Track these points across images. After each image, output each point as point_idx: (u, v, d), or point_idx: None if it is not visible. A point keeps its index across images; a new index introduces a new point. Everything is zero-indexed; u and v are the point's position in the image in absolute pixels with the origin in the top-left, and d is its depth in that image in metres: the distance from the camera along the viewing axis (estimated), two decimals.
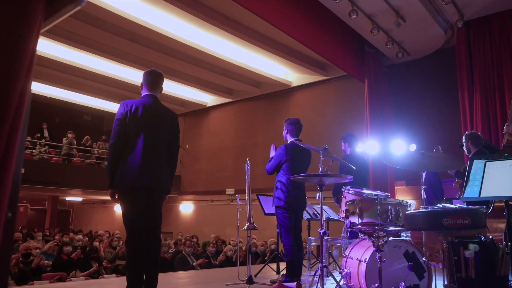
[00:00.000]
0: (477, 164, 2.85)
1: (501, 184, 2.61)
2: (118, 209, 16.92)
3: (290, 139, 4.47)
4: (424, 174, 3.70)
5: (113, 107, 15.52)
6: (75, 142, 14.52)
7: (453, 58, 8.03)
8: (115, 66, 11.58)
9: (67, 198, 18.95)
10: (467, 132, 4.79)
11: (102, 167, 14.67)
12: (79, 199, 19.24)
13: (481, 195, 2.69)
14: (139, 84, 3.41)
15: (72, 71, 12.35)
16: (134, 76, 11.98)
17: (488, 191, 2.67)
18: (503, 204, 2.96)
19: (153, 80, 3.35)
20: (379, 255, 2.79)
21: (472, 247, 2.45)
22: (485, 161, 2.81)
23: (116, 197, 3.14)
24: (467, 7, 7.38)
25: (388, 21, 7.60)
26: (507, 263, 2.47)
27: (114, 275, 6.59)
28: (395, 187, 9.03)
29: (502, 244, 2.55)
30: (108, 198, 3.24)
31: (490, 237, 2.62)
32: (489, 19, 7.60)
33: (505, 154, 2.76)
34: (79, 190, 14.60)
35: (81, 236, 10.63)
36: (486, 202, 3.76)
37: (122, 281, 4.02)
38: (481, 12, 7.53)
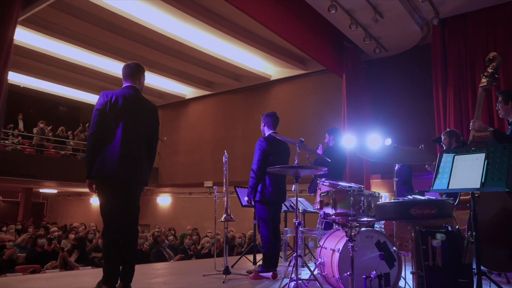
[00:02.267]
0: (446, 157, 2.96)
1: (468, 176, 2.73)
2: (94, 201, 16.71)
3: (267, 132, 4.51)
4: (397, 167, 3.83)
5: (89, 98, 15.23)
6: (46, 132, 14.17)
7: (428, 55, 8.21)
8: (92, 56, 11.34)
9: (41, 190, 18.57)
10: (449, 130, 4.99)
11: (78, 159, 14.41)
12: (54, 191, 18.87)
13: (449, 187, 2.81)
14: (117, 75, 3.41)
15: (47, 60, 12.05)
16: (111, 67, 11.73)
17: (456, 183, 2.79)
18: (469, 197, 3.09)
19: (131, 71, 3.34)
20: (352, 244, 2.88)
21: (439, 236, 2.56)
22: (453, 154, 2.92)
23: (94, 188, 3.13)
24: (443, 5, 7.56)
25: (366, 17, 7.72)
26: (471, 252, 2.59)
27: (90, 267, 6.55)
28: (371, 180, 9.23)
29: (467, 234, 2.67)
30: (84, 190, 3.24)
31: (457, 227, 2.74)
32: (464, 17, 7.80)
33: (473, 149, 2.88)
34: (54, 182, 14.31)
35: (56, 229, 10.46)
36: (454, 194, 3.92)
37: (97, 272, 4.00)
38: (456, 11, 7.73)
